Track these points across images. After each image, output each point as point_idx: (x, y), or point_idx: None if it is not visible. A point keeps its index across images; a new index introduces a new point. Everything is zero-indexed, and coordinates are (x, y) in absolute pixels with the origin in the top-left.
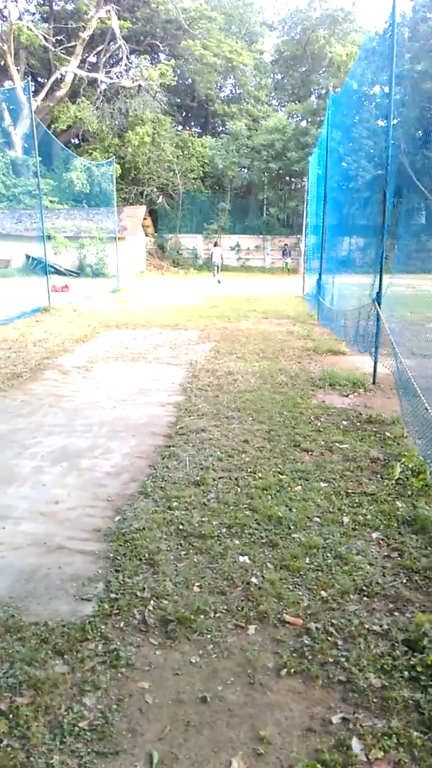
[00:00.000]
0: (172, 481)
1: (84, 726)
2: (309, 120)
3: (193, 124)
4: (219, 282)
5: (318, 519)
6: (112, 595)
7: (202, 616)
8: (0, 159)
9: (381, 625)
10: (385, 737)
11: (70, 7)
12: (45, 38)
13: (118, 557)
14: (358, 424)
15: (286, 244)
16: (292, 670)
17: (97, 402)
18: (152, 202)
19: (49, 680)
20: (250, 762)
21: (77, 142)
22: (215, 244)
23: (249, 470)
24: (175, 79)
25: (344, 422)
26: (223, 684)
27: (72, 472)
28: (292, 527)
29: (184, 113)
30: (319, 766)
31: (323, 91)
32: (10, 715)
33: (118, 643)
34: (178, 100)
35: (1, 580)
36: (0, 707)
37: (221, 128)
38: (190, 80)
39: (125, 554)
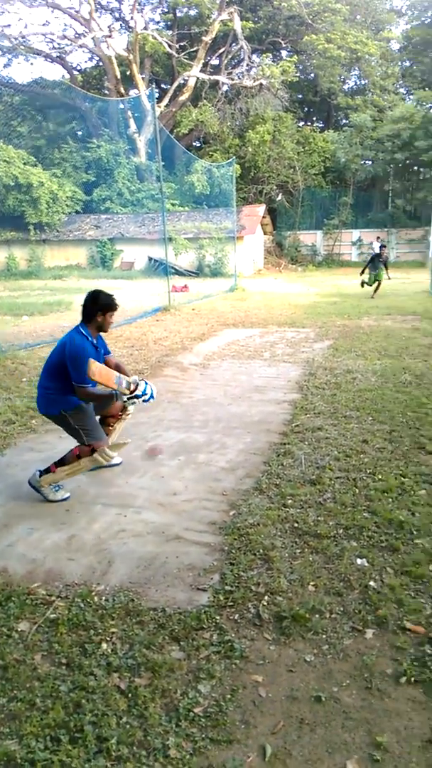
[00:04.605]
0: (287, 478)
1: (199, 712)
2: None
3: (315, 119)
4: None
5: None
6: (227, 588)
7: (317, 616)
8: (125, 165)
9: None
10: None
11: (192, 12)
12: (169, 45)
13: (233, 551)
14: None
15: (369, 243)
16: (413, 679)
17: (214, 398)
18: (271, 200)
19: (166, 664)
20: (365, 767)
21: (198, 144)
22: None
23: (368, 471)
24: (297, 75)
25: None
26: (338, 685)
27: (189, 465)
28: (414, 532)
29: (306, 109)
30: None
31: None
32: (129, 695)
33: (233, 635)
34: (300, 96)
35: (123, 566)
36: (120, 686)
37: (344, 121)
38: (312, 75)
39: (240, 548)
